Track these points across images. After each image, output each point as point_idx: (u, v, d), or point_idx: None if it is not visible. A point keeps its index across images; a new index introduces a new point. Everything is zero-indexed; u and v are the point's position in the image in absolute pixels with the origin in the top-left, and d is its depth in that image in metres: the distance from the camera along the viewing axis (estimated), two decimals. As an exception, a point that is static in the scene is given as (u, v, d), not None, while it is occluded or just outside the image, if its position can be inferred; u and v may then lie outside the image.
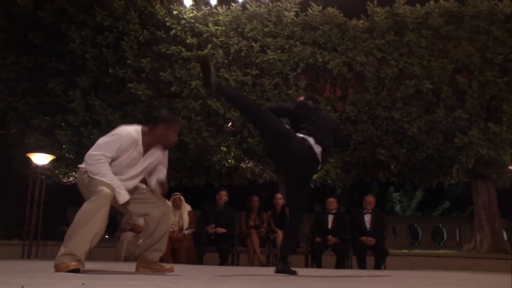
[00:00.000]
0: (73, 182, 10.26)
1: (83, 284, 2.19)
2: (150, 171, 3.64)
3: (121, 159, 3.43)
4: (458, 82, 8.27)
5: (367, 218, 7.38)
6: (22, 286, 1.97)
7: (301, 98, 4.36)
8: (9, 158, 8.70)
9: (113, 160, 3.40)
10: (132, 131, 3.53)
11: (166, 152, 3.72)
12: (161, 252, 3.68)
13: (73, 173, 10.10)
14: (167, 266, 3.70)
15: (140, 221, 7.35)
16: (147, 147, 3.54)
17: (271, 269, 3.98)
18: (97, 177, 3.29)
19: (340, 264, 7.21)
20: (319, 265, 7.14)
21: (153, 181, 3.62)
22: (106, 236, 10.01)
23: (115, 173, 3.37)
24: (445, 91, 8.24)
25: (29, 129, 8.29)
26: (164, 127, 3.54)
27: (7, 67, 8.31)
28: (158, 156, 3.62)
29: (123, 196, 3.36)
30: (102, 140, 3.45)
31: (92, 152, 3.37)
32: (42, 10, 8.47)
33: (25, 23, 8.52)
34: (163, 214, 3.58)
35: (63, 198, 10.16)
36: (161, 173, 3.66)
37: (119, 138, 3.45)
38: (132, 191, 3.51)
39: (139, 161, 3.51)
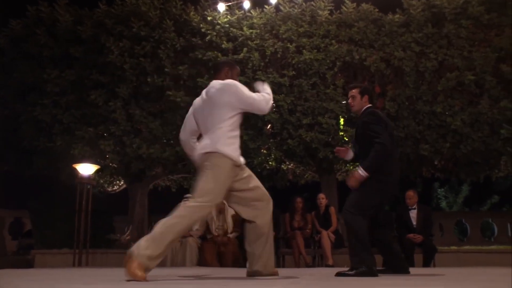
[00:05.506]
0: (117, 190, 10.50)
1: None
2: None
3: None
4: (503, 71, 7.99)
5: (413, 214, 7.24)
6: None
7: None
8: (57, 170, 8.96)
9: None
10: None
11: None
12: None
13: (117, 182, 10.34)
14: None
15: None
16: None
17: (318, 270, 3.95)
18: None
19: (388, 262, 7.09)
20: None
21: None
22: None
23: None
24: (489, 81, 7.98)
25: (73, 141, 8.51)
26: (230, 69, 3.62)
27: (52, 81, 8.58)
28: None
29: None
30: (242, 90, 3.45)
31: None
32: (81, 25, 8.72)
33: (66, 39, 8.79)
34: (269, 221, 3.55)
35: (109, 206, 10.40)
36: None
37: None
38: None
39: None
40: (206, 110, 3.46)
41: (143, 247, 2.97)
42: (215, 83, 3.51)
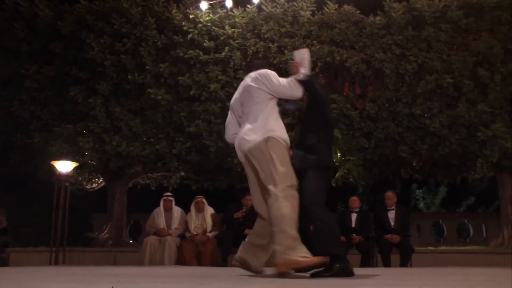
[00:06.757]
0: (96, 188, 10.41)
1: (112, 287, 2.21)
2: None
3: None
4: (480, 75, 8.12)
5: (391, 215, 7.33)
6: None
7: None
8: (35, 167, 8.84)
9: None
10: None
11: None
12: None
13: (96, 179, 10.24)
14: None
15: (162, 224, 7.42)
16: None
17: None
18: None
19: (365, 262, 7.17)
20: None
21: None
22: (131, 241, 10.10)
23: None
24: (467, 85, 8.10)
25: (52, 137, 8.41)
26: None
27: (30, 77, 8.47)
28: None
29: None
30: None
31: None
32: (61, 20, 8.61)
33: (46, 34, 8.67)
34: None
35: (87, 204, 10.30)
36: None
37: None
38: None
39: None
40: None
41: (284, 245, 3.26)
42: (251, 73, 3.91)
